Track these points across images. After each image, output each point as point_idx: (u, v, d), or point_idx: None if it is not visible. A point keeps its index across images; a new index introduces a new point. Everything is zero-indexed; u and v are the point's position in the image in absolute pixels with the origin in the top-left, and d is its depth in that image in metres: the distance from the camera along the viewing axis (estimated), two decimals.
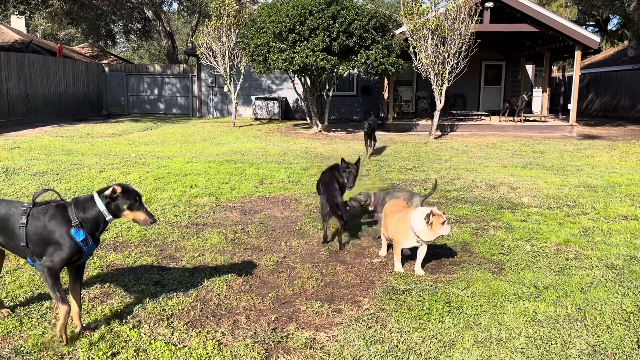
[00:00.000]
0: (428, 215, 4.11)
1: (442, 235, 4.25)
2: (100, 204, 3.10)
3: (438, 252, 4.82)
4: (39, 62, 19.79)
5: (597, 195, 7.23)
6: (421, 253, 4.34)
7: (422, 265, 4.37)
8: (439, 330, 3.33)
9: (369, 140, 10.94)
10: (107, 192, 3.10)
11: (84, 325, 3.24)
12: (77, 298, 3.23)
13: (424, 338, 3.23)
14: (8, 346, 3.05)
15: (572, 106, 16.59)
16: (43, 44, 27.99)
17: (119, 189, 3.11)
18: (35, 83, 19.38)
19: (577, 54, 16.18)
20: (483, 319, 3.47)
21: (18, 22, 29.11)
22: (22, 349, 3.01)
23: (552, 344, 3.18)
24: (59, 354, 2.98)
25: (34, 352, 2.98)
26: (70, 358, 2.95)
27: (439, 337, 3.24)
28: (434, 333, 3.29)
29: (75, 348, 3.03)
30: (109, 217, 3.13)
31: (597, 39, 16.40)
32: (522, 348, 3.13)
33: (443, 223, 4.10)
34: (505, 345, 3.15)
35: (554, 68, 29.15)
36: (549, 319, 3.48)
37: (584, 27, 26.04)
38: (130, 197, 3.14)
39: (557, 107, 23.42)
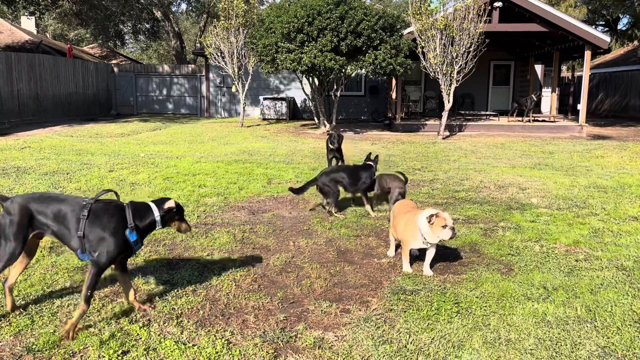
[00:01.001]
0: (431, 216, 4.12)
1: (443, 240, 4.21)
2: (157, 215, 3.42)
3: (447, 253, 4.82)
4: (49, 62, 19.95)
5: (607, 196, 7.19)
6: (430, 254, 4.34)
7: (431, 266, 4.37)
8: (447, 330, 3.32)
9: (334, 160, 8.72)
10: (167, 207, 3.45)
11: (140, 300, 3.64)
12: (128, 284, 3.56)
13: (432, 338, 3.22)
14: (20, 344, 3.08)
15: (582, 106, 16.49)
16: (53, 44, 28.22)
17: (174, 205, 3.48)
18: (46, 83, 19.53)
19: (587, 53, 16.08)
20: (492, 320, 3.46)
21: (28, 22, 29.38)
22: (34, 346, 3.04)
23: (561, 345, 3.17)
24: (71, 352, 3.01)
25: (46, 350, 3.01)
26: (82, 356, 2.98)
27: (448, 337, 3.24)
28: (443, 334, 3.28)
29: (86, 346, 3.06)
30: (159, 226, 3.46)
31: (607, 38, 16.29)
32: (531, 349, 3.12)
33: (444, 227, 4.09)
34: (514, 346, 3.14)
35: (564, 68, 28.97)
36: (558, 320, 3.47)
37: (593, 26, 25.84)
38: (180, 212, 3.58)
39: (567, 107, 23.28)
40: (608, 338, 3.25)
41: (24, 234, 3.25)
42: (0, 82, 17.10)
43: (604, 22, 33.71)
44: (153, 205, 3.44)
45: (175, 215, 3.53)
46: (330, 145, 8.61)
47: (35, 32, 29.74)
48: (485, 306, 3.67)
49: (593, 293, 3.91)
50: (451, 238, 4.17)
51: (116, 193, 3.56)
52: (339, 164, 8.58)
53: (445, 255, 4.76)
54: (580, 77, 21.01)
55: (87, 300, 3.19)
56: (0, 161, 9.44)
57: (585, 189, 7.65)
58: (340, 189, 6.23)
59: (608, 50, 19.20)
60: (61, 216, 3.28)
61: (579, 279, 4.20)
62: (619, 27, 33.62)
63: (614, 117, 24.12)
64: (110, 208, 3.34)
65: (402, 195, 6.04)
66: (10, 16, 30.04)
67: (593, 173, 9.08)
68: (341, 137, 8.76)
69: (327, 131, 7.90)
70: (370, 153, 6.74)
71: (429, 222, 4.12)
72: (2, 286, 3.54)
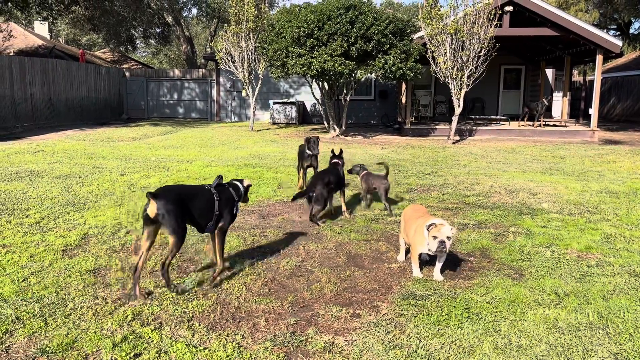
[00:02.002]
0: (430, 225, 4.14)
1: (430, 250, 4.19)
2: (242, 190, 4.42)
3: (457, 258, 4.81)
4: (62, 67, 20.18)
5: (619, 202, 7.13)
6: (440, 259, 4.33)
7: (441, 271, 4.36)
8: (458, 336, 3.32)
9: (310, 169, 7.74)
10: (246, 184, 4.49)
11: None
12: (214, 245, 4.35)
13: (443, 344, 3.22)
14: (34, 346, 3.12)
15: (593, 111, 16.38)
16: (66, 49, 28.54)
17: (250, 183, 4.60)
18: (59, 87, 19.75)
19: (599, 58, 15.98)
20: (503, 326, 3.45)
21: (41, 27, 29.74)
22: (48, 348, 3.08)
23: (573, 351, 3.15)
24: (84, 354, 3.04)
25: (59, 352, 3.05)
26: (94, 358, 3.01)
27: (458, 343, 3.23)
28: (453, 339, 3.28)
29: (99, 348, 3.09)
30: (242, 198, 4.44)
31: (619, 42, 16.19)
32: (542, 355, 3.10)
33: (434, 238, 4.11)
34: (525, 352, 3.13)
35: (575, 72, 28.80)
36: (570, 327, 3.45)
37: (605, 30, 25.69)
38: (249, 189, 4.59)
39: (578, 112, 23.13)
40: (620, 345, 3.23)
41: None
42: (14, 87, 17.31)
43: (615, 26, 33.49)
44: (239, 183, 4.43)
45: (248, 191, 4.51)
46: (308, 152, 7.49)
47: (48, 37, 30.09)
48: (496, 312, 3.66)
49: (605, 299, 3.88)
50: (439, 251, 4.15)
51: (221, 177, 4.38)
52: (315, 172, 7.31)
53: (456, 260, 4.75)
54: (591, 82, 20.86)
55: (223, 257, 4.26)
56: (14, 164, 9.56)
57: (597, 194, 7.59)
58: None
59: (620, 55, 19.08)
60: (200, 201, 4.03)
61: (590, 285, 4.17)
62: (631, 31, 33.39)
63: (626, 122, 23.91)
64: (225, 190, 4.26)
65: (387, 190, 6.48)
66: (23, 21, 30.46)
67: (605, 178, 9.01)
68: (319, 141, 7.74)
69: (308, 137, 7.67)
70: (332, 149, 6.86)
71: (427, 230, 4.15)
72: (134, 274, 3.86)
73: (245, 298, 3.88)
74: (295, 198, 6.22)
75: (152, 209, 3.66)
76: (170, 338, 3.25)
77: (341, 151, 6.84)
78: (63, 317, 3.48)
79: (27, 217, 5.94)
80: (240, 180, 4.49)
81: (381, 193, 6.45)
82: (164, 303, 3.74)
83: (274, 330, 3.40)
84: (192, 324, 3.44)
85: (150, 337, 3.24)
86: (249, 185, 4.52)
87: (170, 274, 3.96)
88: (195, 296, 3.88)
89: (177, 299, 3.83)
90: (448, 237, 4.13)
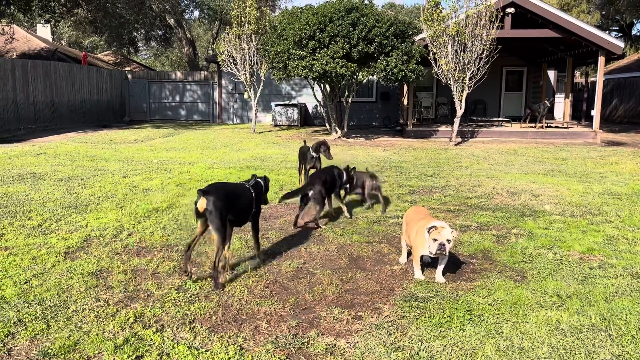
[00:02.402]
0: (430, 228, 4.14)
1: (431, 252, 4.19)
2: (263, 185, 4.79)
3: (459, 260, 4.80)
4: (65, 69, 20.23)
5: (622, 203, 7.12)
6: (442, 261, 4.33)
7: (443, 273, 4.36)
8: (460, 338, 3.31)
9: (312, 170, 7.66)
10: (268, 183, 4.97)
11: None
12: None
13: (444, 346, 3.22)
14: (35, 348, 3.12)
15: (596, 112, 16.36)
16: (68, 51, 28.62)
17: (269, 180, 5.10)
18: (61, 90, 19.80)
19: (601, 59, 15.96)
20: (505, 328, 3.45)
21: (44, 30, 29.83)
22: (50, 351, 3.08)
23: (575, 354, 3.14)
24: (86, 356, 3.05)
25: (61, 355, 3.05)
26: None
27: (460, 345, 3.23)
28: (455, 341, 3.27)
29: (101, 351, 3.10)
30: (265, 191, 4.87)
31: (621, 44, 16.17)
32: (545, 358, 3.10)
33: (434, 240, 4.11)
34: (527, 355, 3.12)
35: (577, 73, 28.77)
36: (572, 329, 3.44)
37: (607, 32, 25.67)
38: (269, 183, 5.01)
39: (580, 113, 23.10)
40: (623, 347, 3.22)
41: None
42: (17, 89, 17.36)
43: (617, 28, 33.46)
44: (261, 181, 4.78)
45: (268, 186, 4.92)
46: (313, 154, 7.55)
47: (50, 39, 30.18)
48: (498, 314, 3.65)
49: (607, 301, 3.87)
50: (439, 253, 4.15)
51: (255, 176, 4.84)
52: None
53: (458, 262, 4.74)
54: (593, 83, 20.82)
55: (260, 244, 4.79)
56: (16, 167, 9.59)
57: (599, 196, 7.58)
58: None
59: (622, 56, 19.08)
60: (244, 200, 4.46)
61: (593, 286, 4.16)
62: (633, 32, 33.35)
63: (628, 123, 23.87)
64: (258, 184, 4.69)
65: (375, 187, 6.75)
66: (26, 24, 30.53)
67: (607, 180, 9.00)
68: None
69: (318, 141, 7.62)
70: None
71: (427, 232, 4.15)
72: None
73: (247, 300, 3.88)
74: (284, 198, 6.08)
75: (202, 204, 4.03)
76: (172, 340, 3.25)
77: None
78: (65, 320, 3.48)
79: (29, 219, 5.95)
80: (264, 178, 4.94)
81: (368, 191, 6.70)
82: (165, 305, 3.74)
83: (275, 333, 3.39)
84: (194, 326, 3.44)
85: (152, 340, 3.24)
86: (269, 180, 5.06)
87: (220, 272, 4.21)
88: (197, 298, 3.89)
89: (179, 300, 3.83)
90: (448, 240, 4.13)
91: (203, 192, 4.03)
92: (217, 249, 4.05)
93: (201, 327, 3.44)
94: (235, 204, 4.28)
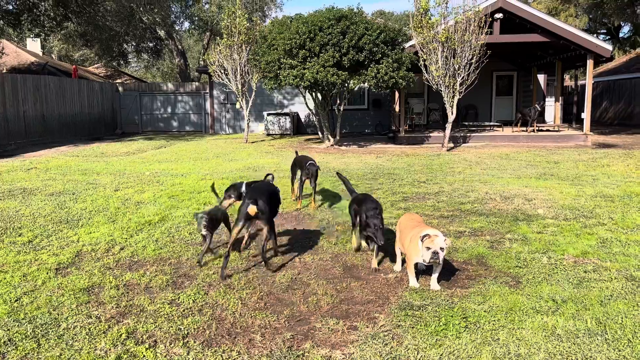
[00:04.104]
0: (424, 236, 4.12)
1: (424, 260, 4.18)
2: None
3: (453, 267, 4.78)
4: (55, 83, 20.14)
5: (614, 205, 7.14)
6: (437, 268, 4.31)
7: (438, 280, 4.34)
8: (456, 346, 3.29)
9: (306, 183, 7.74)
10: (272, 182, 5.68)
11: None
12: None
13: (441, 355, 3.19)
14: None
15: (586, 115, 16.46)
16: (58, 65, 28.53)
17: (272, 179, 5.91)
18: (52, 104, 19.70)
19: (589, 62, 16.08)
20: (501, 334, 3.43)
21: (34, 44, 29.72)
22: None
23: (572, 359, 3.13)
24: None
25: None
26: None
27: (457, 353, 3.20)
28: (451, 349, 3.25)
29: None
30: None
31: (609, 47, 16.31)
32: None
33: (428, 249, 4.10)
34: None
35: (566, 77, 28.98)
36: (568, 334, 3.43)
37: (595, 35, 25.91)
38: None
39: (571, 116, 23.24)
40: (619, 351, 3.20)
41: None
42: (7, 104, 17.25)
43: (605, 31, 33.79)
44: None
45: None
46: (311, 162, 7.54)
47: (40, 53, 30.07)
48: (494, 320, 3.63)
49: (603, 305, 3.86)
50: (432, 261, 4.14)
51: (272, 175, 5.98)
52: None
53: (453, 269, 4.73)
54: (583, 86, 20.95)
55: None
56: (6, 182, 9.50)
57: (591, 199, 7.60)
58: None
59: (611, 59, 19.20)
60: (276, 197, 5.14)
61: (588, 290, 4.15)
62: (621, 35, 33.69)
63: (618, 125, 24.04)
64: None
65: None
66: (15, 38, 30.44)
67: (599, 182, 9.03)
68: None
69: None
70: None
71: (421, 241, 4.13)
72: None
73: (240, 313, 3.84)
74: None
75: (253, 209, 4.55)
76: (165, 356, 3.20)
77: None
78: (56, 338, 3.43)
79: (19, 235, 5.89)
80: (271, 178, 5.84)
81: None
82: (158, 320, 3.70)
83: (270, 346, 3.36)
84: (187, 341, 3.40)
85: (144, 356, 3.20)
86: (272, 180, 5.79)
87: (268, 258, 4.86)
88: (190, 312, 3.84)
89: (172, 315, 3.78)
90: (442, 248, 4.11)
91: (253, 201, 4.61)
92: (267, 240, 4.81)
93: (194, 341, 3.40)
94: (274, 202, 5.03)
